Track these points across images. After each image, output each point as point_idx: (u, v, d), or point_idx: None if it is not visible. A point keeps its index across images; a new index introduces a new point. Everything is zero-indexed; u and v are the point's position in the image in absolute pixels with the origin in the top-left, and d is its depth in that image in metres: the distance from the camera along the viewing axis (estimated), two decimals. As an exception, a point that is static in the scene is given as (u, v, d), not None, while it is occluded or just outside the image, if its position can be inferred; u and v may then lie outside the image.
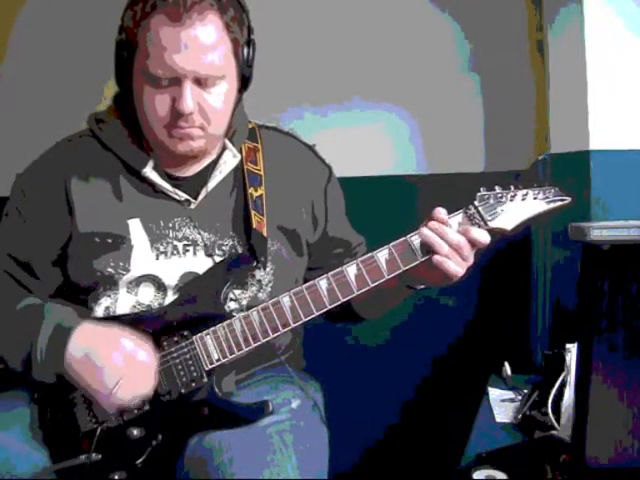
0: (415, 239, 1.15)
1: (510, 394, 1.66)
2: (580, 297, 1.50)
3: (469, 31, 2.08)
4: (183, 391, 1.15)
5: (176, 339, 1.17)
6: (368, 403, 2.10)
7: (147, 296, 1.23)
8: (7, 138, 2.22)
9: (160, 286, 1.23)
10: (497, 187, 1.19)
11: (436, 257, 1.13)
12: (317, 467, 1.16)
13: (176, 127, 1.16)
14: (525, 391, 1.61)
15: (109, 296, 1.23)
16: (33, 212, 1.25)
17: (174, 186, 1.24)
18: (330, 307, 1.15)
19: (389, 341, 2.13)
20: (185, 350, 1.16)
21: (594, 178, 1.77)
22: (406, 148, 2.15)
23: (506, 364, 1.76)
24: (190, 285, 1.21)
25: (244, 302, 1.25)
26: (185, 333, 1.17)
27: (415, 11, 2.09)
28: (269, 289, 1.26)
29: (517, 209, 1.18)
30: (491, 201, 1.18)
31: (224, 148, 1.27)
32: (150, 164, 1.23)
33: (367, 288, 1.15)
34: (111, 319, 1.22)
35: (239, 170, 1.28)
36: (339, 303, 1.15)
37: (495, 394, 1.68)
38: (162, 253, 1.23)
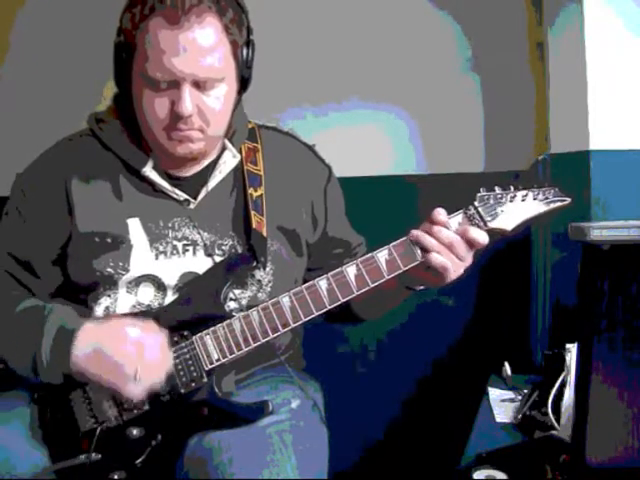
0: None
1: (510, 394, 1.66)
2: (580, 297, 1.51)
3: (469, 31, 2.08)
4: (183, 391, 1.15)
5: (176, 339, 1.17)
6: (368, 403, 2.10)
7: (147, 296, 1.23)
8: (7, 138, 2.22)
9: (160, 286, 1.23)
10: (497, 188, 1.19)
11: (426, 254, 1.14)
12: (317, 467, 1.16)
13: (175, 130, 1.16)
14: (525, 391, 1.61)
15: (109, 296, 1.23)
16: (33, 211, 1.25)
17: (174, 186, 1.24)
18: (330, 307, 1.15)
19: (389, 341, 2.13)
20: (185, 350, 1.16)
21: (594, 178, 1.77)
22: (406, 148, 2.15)
23: (506, 364, 1.76)
24: (190, 285, 1.21)
25: (244, 302, 1.25)
26: (185, 333, 1.17)
27: (415, 11, 2.09)
28: (269, 289, 1.26)
29: (517, 210, 1.18)
30: (491, 202, 1.18)
31: (224, 148, 1.27)
32: (150, 164, 1.23)
33: (367, 288, 1.15)
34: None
35: (239, 170, 1.28)
36: (339, 303, 1.15)
37: (495, 394, 1.68)
38: (162, 253, 1.23)
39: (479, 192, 1.18)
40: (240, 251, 1.24)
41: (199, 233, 1.24)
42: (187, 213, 1.25)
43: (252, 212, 1.24)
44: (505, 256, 1.94)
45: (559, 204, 1.20)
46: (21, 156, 1.30)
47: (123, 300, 1.23)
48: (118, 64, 1.18)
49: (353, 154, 2.03)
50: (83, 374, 1.12)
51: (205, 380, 1.15)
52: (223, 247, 1.25)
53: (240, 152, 1.28)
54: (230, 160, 1.27)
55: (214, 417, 1.16)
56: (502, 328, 2.07)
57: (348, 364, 2.14)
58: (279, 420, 1.17)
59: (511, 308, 2.06)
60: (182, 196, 1.24)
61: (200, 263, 1.23)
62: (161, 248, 1.23)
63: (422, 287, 1.22)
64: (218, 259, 1.23)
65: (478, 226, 1.16)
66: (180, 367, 1.16)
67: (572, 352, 1.46)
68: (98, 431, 1.14)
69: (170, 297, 1.23)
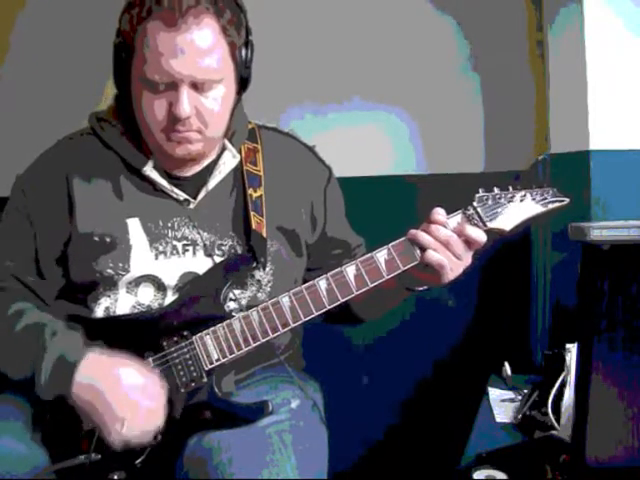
0: None
1: (510, 394, 1.66)
2: (580, 297, 1.50)
3: (469, 31, 2.08)
4: (183, 391, 1.16)
5: (176, 339, 1.17)
6: (368, 403, 2.10)
7: (147, 296, 1.23)
8: (7, 138, 2.22)
9: (160, 286, 1.23)
10: (496, 188, 1.19)
11: (423, 252, 1.14)
12: (316, 467, 1.16)
13: (174, 131, 1.16)
14: (525, 391, 1.61)
15: (109, 296, 1.23)
16: (36, 210, 1.24)
17: (174, 185, 1.24)
18: (329, 307, 1.15)
19: (389, 341, 2.13)
20: (185, 350, 1.16)
21: (594, 178, 1.77)
22: (406, 148, 2.15)
23: (506, 364, 1.76)
24: (190, 285, 1.21)
25: (244, 302, 1.25)
26: (185, 333, 1.17)
27: (415, 11, 2.09)
28: (268, 289, 1.27)
29: (515, 210, 1.18)
30: (490, 202, 1.18)
31: (224, 148, 1.27)
32: (150, 163, 1.23)
33: (366, 288, 1.15)
34: (111, 320, 1.22)
35: (239, 170, 1.28)
36: (338, 303, 1.15)
37: (495, 394, 1.68)
38: (161, 253, 1.23)
39: (478, 192, 1.18)
40: (240, 251, 1.24)
41: (199, 233, 1.24)
42: (187, 213, 1.25)
43: (252, 212, 1.24)
44: (505, 256, 1.94)
45: (557, 204, 1.20)
46: (21, 156, 1.30)
47: (123, 300, 1.23)
48: (117, 65, 1.18)
49: (353, 154, 2.03)
50: (76, 403, 1.13)
51: (205, 380, 1.16)
52: (223, 247, 1.25)
53: (240, 152, 1.28)
54: (230, 160, 1.27)
55: (214, 417, 1.16)
56: (502, 328, 2.07)
57: (348, 364, 2.14)
58: (279, 420, 1.17)
59: (511, 308, 2.06)
60: (182, 196, 1.25)
61: (200, 263, 1.23)
62: (161, 248, 1.23)
63: (421, 288, 1.22)
64: (218, 259, 1.23)
65: (477, 226, 1.16)
66: (180, 367, 1.16)
67: (572, 352, 1.46)
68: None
69: (170, 297, 1.23)
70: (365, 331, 2.00)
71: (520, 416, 1.49)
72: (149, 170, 1.23)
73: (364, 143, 2.12)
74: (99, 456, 1.13)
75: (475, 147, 2.11)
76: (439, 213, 1.16)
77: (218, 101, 1.16)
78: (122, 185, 1.24)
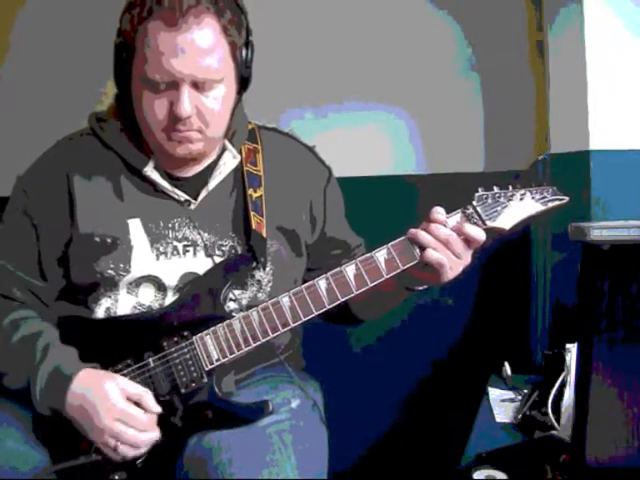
0: None
1: (510, 394, 1.66)
2: (580, 297, 1.51)
3: (469, 31, 2.08)
4: (183, 391, 1.16)
5: (176, 339, 1.17)
6: (368, 403, 2.10)
7: (147, 297, 1.23)
8: (7, 138, 2.22)
9: (160, 287, 1.23)
10: (495, 187, 1.19)
11: (422, 251, 1.14)
12: (317, 467, 1.17)
13: (174, 130, 1.16)
14: (525, 391, 1.61)
15: (109, 297, 1.23)
16: (37, 210, 1.24)
17: (174, 186, 1.24)
18: (329, 307, 1.15)
19: (389, 341, 2.13)
20: (185, 350, 1.16)
21: (594, 178, 1.77)
22: (406, 148, 2.15)
23: (506, 364, 1.76)
24: (190, 285, 1.21)
25: (244, 302, 1.25)
26: (185, 333, 1.17)
27: (415, 11, 2.09)
28: (268, 289, 1.27)
29: (515, 209, 1.18)
30: (489, 201, 1.18)
31: (224, 149, 1.27)
32: (151, 164, 1.23)
33: (366, 288, 1.15)
34: (112, 320, 1.22)
35: (239, 171, 1.28)
36: (338, 303, 1.15)
37: (495, 394, 1.68)
38: (162, 254, 1.23)
39: (477, 192, 1.18)
40: (240, 252, 1.24)
41: (199, 234, 1.24)
42: (187, 214, 1.25)
43: (252, 213, 1.24)
44: (505, 256, 1.94)
45: (557, 203, 1.20)
46: (21, 156, 1.30)
47: (124, 301, 1.23)
48: (118, 65, 1.18)
49: (353, 154, 2.03)
50: (70, 415, 1.13)
51: (205, 380, 1.16)
52: (223, 248, 1.25)
53: (240, 153, 1.28)
54: (230, 161, 1.27)
55: (214, 417, 1.16)
56: (502, 328, 2.07)
57: (348, 364, 2.14)
58: (279, 420, 1.17)
59: (511, 308, 2.06)
60: (183, 197, 1.24)
61: (200, 264, 1.23)
62: (161, 249, 1.23)
63: (421, 287, 1.22)
64: (218, 260, 1.23)
65: (477, 225, 1.16)
66: (180, 367, 1.16)
67: (572, 352, 1.46)
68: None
69: (170, 298, 1.23)
70: (365, 331, 2.00)
71: (520, 416, 1.49)
72: (150, 171, 1.23)
73: (364, 143, 2.12)
74: (99, 456, 1.13)
75: (475, 147, 2.11)
76: (439, 212, 1.15)
77: (219, 101, 1.16)
78: (123, 186, 1.24)
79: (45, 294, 1.27)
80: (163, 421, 1.15)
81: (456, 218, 1.17)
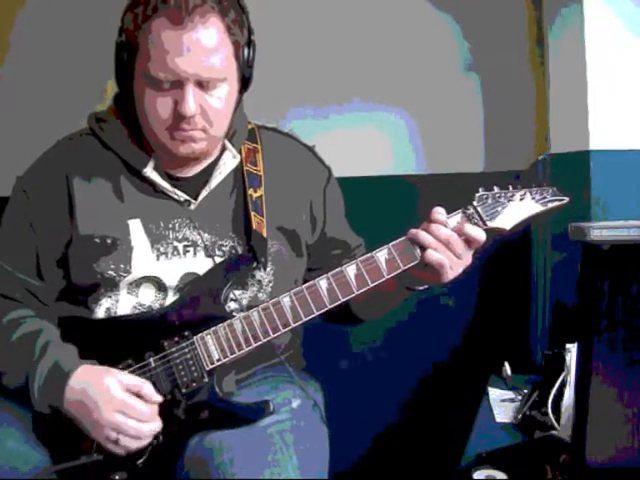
0: None
1: (510, 394, 1.66)
2: (580, 297, 1.51)
3: (469, 31, 2.08)
4: (184, 391, 1.16)
5: (177, 339, 1.17)
6: (368, 403, 2.10)
7: (148, 297, 1.23)
8: (7, 138, 2.21)
9: (161, 287, 1.23)
10: (496, 187, 1.20)
11: (423, 252, 1.14)
12: (318, 467, 1.17)
13: (178, 129, 1.16)
14: (525, 391, 1.61)
15: (110, 297, 1.23)
16: (37, 212, 1.24)
17: (174, 186, 1.24)
18: (330, 307, 1.15)
19: (389, 341, 2.13)
20: (186, 350, 1.16)
21: (594, 178, 1.77)
22: (406, 148, 2.15)
23: (506, 364, 1.76)
24: (191, 286, 1.21)
25: (244, 302, 1.25)
26: (186, 333, 1.17)
27: (415, 11, 2.09)
28: (269, 289, 1.27)
29: (515, 209, 1.18)
30: (489, 201, 1.18)
31: (224, 149, 1.27)
32: (151, 164, 1.23)
33: (367, 288, 1.15)
34: (112, 320, 1.22)
35: (239, 171, 1.28)
36: (339, 303, 1.16)
37: (495, 394, 1.68)
38: (162, 254, 1.23)
39: (478, 192, 1.19)
40: (240, 252, 1.24)
41: (199, 234, 1.24)
42: (187, 214, 1.25)
43: (252, 213, 1.24)
44: (505, 256, 1.94)
45: (557, 203, 1.20)
46: (21, 156, 1.30)
47: (124, 301, 1.23)
48: (119, 64, 1.18)
49: (353, 154, 2.03)
50: (69, 412, 1.13)
51: (206, 380, 1.16)
52: (223, 248, 1.25)
53: (240, 153, 1.29)
54: (230, 161, 1.27)
55: (215, 417, 1.16)
56: (502, 328, 2.07)
57: (348, 364, 2.14)
58: (280, 420, 1.17)
59: (511, 308, 2.06)
60: (183, 197, 1.24)
61: (201, 264, 1.23)
62: (162, 249, 1.23)
63: (422, 287, 1.22)
64: (218, 260, 1.23)
65: (477, 225, 1.16)
66: (181, 367, 1.16)
67: (572, 352, 1.46)
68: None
69: (171, 298, 1.23)
70: (365, 331, 1.99)
71: (520, 416, 1.49)
72: (149, 171, 1.23)
73: (364, 143, 2.12)
74: (100, 456, 1.13)
75: (475, 147, 2.11)
76: (439, 212, 1.16)
77: (222, 100, 1.16)
78: (122, 186, 1.24)
79: (44, 294, 1.27)
80: (163, 421, 1.15)
81: (457, 218, 1.17)
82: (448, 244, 1.13)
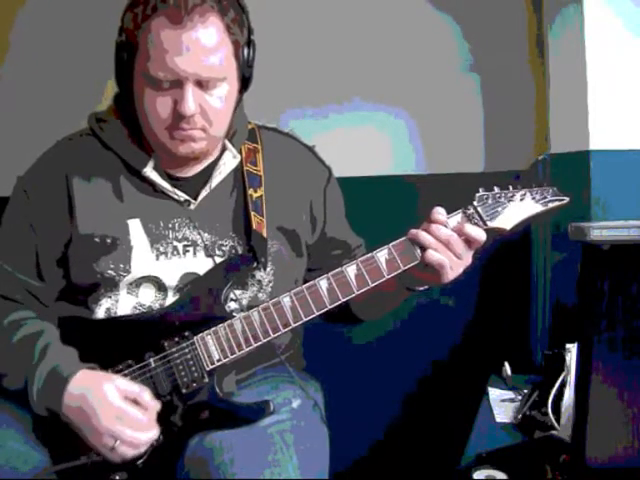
0: None
1: (510, 394, 1.66)
2: (580, 297, 1.51)
3: (469, 31, 2.08)
4: (184, 391, 1.16)
5: (177, 339, 1.17)
6: (368, 403, 2.10)
7: (148, 297, 1.23)
8: (7, 138, 2.21)
9: (161, 287, 1.23)
10: (496, 187, 1.20)
11: (423, 252, 1.14)
12: (318, 467, 1.17)
13: (178, 129, 1.16)
14: (525, 391, 1.61)
15: (110, 297, 1.23)
16: (38, 212, 1.24)
17: (174, 186, 1.24)
18: (330, 307, 1.15)
19: (389, 341, 2.13)
20: (186, 350, 1.16)
21: (594, 178, 1.77)
22: (406, 148, 2.15)
23: (506, 364, 1.76)
24: (190, 286, 1.22)
25: (244, 302, 1.25)
26: (186, 334, 1.17)
27: (415, 11, 2.09)
28: (269, 289, 1.27)
29: (515, 209, 1.18)
30: (490, 201, 1.18)
31: (224, 149, 1.27)
32: (150, 164, 1.23)
33: (367, 288, 1.15)
34: (112, 320, 1.22)
35: (239, 171, 1.28)
36: (339, 303, 1.16)
37: (495, 394, 1.68)
38: (162, 254, 1.23)
39: (478, 192, 1.19)
40: (240, 252, 1.24)
41: (199, 234, 1.24)
42: (187, 214, 1.25)
43: (252, 213, 1.24)
44: (505, 256, 1.94)
45: (557, 203, 1.20)
46: (21, 156, 1.30)
47: (124, 301, 1.23)
48: (119, 63, 1.18)
49: (353, 154, 2.03)
50: (68, 417, 1.13)
51: (206, 380, 1.16)
52: (223, 248, 1.25)
53: (240, 153, 1.29)
54: (230, 161, 1.27)
55: (215, 417, 1.16)
56: (502, 328, 2.07)
57: (348, 364, 2.14)
58: (280, 420, 1.17)
59: (511, 308, 2.06)
60: (182, 197, 1.25)
61: (201, 264, 1.23)
62: (162, 249, 1.23)
63: (422, 288, 1.22)
64: (218, 260, 1.23)
65: (477, 225, 1.16)
66: (181, 367, 1.16)
67: (572, 352, 1.46)
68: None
69: (171, 298, 1.23)
70: (365, 331, 1.99)
71: (520, 416, 1.49)
72: (149, 171, 1.23)
73: (364, 143, 2.12)
74: (100, 456, 1.13)
75: (475, 147, 2.11)
76: (439, 212, 1.16)
77: (222, 99, 1.16)
78: (122, 186, 1.24)
79: (44, 295, 1.27)
80: (163, 421, 1.15)
81: (457, 218, 1.17)
82: (448, 244, 1.13)
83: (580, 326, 1.31)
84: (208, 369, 1.16)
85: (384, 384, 2.11)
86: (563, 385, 1.45)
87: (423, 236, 1.14)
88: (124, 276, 1.22)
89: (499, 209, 1.18)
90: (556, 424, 1.40)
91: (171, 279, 1.23)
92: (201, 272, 1.22)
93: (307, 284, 1.16)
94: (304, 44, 2.11)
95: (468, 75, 2.10)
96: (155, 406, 1.13)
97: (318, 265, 1.34)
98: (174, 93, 1.13)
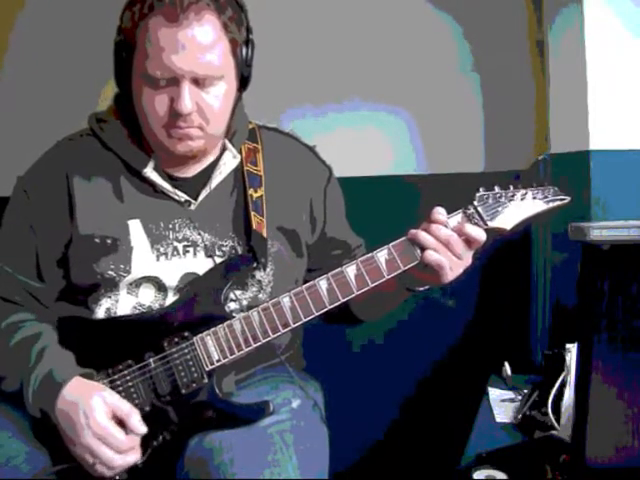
0: None
1: (510, 394, 1.67)
2: (580, 297, 1.50)
3: (469, 31, 2.08)
4: (184, 392, 1.16)
5: (177, 340, 1.17)
6: (368, 403, 2.10)
7: (148, 297, 1.23)
8: (7, 138, 2.22)
9: (161, 287, 1.23)
10: (496, 187, 1.19)
11: (423, 252, 1.14)
12: (318, 467, 1.17)
13: (175, 127, 1.16)
14: (525, 391, 1.61)
15: (110, 297, 1.23)
16: (38, 212, 1.24)
17: (174, 187, 1.24)
18: (330, 307, 1.15)
19: (389, 341, 2.13)
20: (186, 351, 1.16)
21: (594, 178, 1.77)
22: (406, 148, 2.15)
23: (506, 364, 1.76)
24: (190, 286, 1.21)
25: (244, 303, 1.25)
26: (186, 334, 1.17)
27: (415, 11, 2.09)
28: (269, 290, 1.27)
29: (516, 209, 1.18)
30: (490, 201, 1.18)
31: (224, 149, 1.27)
32: (151, 164, 1.23)
33: (367, 288, 1.15)
34: (112, 320, 1.22)
35: (239, 171, 1.28)
36: (339, 303, 1.15)
37: (495, 394, 1.68)
38: (162, 254, 1.23)
39: (478, 192, 1.18)
40: (240, 252, 1.24)
41: (199, 234, 1.24)
42: (187, 214, 1.25)
43: (252, 213, 1.24)
44: (505, 256, 1.94)
45: (558, 203, 1.20)
46: (21, 156, 1.30)
47: (124, 301, 1.23)
48: (118, 63, 1.18)
49: (353, 154, 2.03)
50: (58, 422, 1.13)
51: (206, 381, 1.16)
52: (223, 248, 1.25)
53: (240, 153, 1.28)
54: (230, 161, 1.27)
55: (215, 417, 1.16)
56: (502, 328, 2.07)
57: (348, 364, 2.14)
58: (280, 420, 1.17)
59: (511, 308, 2.06)
60: (183, 197, 1.24)
61: (201, 264, 1.23)
62: (162, 249, 1.23)
63: (422, 288, 1.22)
64: (218, 260, 1.23)
65: (477, 225, 1.16)
66: (181, 368, 1.16)
67: (572, 352, 1.46)
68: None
69: (171, 298, 1.23)
70: (365, 331, 2.00)
71: (520, 416, 1.49)
72: (149, 172, 1.23)
73: (364, 143, 2.12)
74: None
75: (475, 147, 2.12)
76: (439, 212, 1.15)
77: (219, 98, 1.16)
78: (122, 186, 1.24)
79: (44, 296, 1.27)
80: (163, 421, 1.15)
81: (457, 218, 1.17)
82: (448, 244, 1.13)
83: (580, 326, 1.31)
84: (208, 369, 1.16)
85: (384, 384, 2.11)
86: (563, 385, 1.45)
87: (423, 236, 1.14)
88: (124, 276, 1.21)
89: (499, 209, 1.18)
90: (556, 424, 1.40)
91: (171, 279, 1.23)
92: (201, 272, 1.22)
93: (307, 284, 1.16)
94: (304, 44, 2.11)
95: (468, 75, 2.10)
96: (141, 430, 1.12)
97: (318, 265, 1.34)
98: (171, 91, 1.13)
